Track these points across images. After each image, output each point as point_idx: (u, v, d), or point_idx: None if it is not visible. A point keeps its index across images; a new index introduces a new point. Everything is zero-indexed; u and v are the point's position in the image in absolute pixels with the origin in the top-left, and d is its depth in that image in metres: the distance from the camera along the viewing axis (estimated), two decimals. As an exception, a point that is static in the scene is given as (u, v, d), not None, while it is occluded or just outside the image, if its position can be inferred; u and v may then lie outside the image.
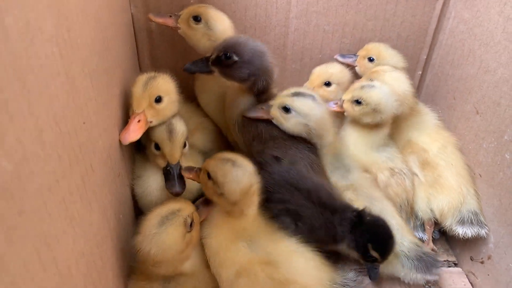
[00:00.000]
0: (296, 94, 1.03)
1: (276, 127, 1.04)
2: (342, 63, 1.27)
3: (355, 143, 1.15)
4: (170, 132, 0.94)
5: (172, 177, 0.93)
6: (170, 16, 1.08)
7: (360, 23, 1.22)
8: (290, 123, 1.03)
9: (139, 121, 0.91)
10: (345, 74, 1.25)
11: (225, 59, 0.96)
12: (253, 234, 0.89)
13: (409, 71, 1.21)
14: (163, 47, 1.22)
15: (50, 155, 0.49)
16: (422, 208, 1.13)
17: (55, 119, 0.52)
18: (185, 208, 0.83)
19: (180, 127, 0.96)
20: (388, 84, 1.13)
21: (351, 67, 1.27)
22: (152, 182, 0.99)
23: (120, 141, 0.88)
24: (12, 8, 0.41)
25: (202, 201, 0.90)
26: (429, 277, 1.02)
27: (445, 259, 1.15)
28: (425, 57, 1.31)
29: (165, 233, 0.78)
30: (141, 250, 0.77)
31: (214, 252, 0.88)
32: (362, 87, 1.09)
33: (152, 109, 0.93)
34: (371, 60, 1.23)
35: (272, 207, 0.93)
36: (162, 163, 0.95)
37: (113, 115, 0.85)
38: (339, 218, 0.93)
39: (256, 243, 0.88)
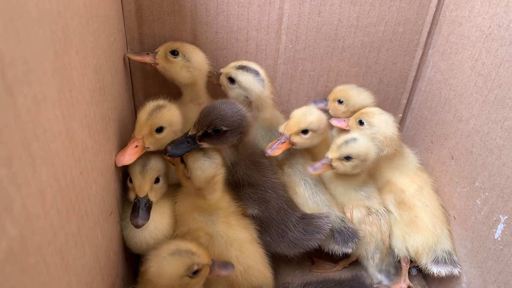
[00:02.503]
0: (241, 68, 1.13)
1: (254, 173, 1.09)
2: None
3: (335, 187, 1.20)
4: (143, 166, 0.97)
5: (137, 209, 0.94)
6: (148, 54, 1.12)
7: (344, 70, 1.27)
8: (233, 93, 1.14)
9: (136, 146, 0.95)
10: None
11: (215, 133, 0.98)
12: (212, 214, 1.02)
13: (391, 113, 1.26)
14: (156, 86, 1.26)
15: (49, 211, 0.53)
16: (398, 246, 1.18)
17: (55, 177, 0.56)
18: (201, 257, 0.86)
19: (154, 163, 0.98)
20: (377, 126, 1.17)
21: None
22: None
23: (115, 171, 0.92)
24: (22, 88, 0.46)
25: (221, 263, 0.92)
26: (344, 250, 1.13)
27: (422, 296, 1.20)
28: (405, 101, 1.36)
29: (169, 263, 0.83)
30: (147, 262, 0.84)
31: (178, 213, 1.04)
32: (347, 143, 1.10)
33: (151, 137, 0.97)
34: (340, 102, 1.27)
35: None
36: (132, 196, 0.97)
37: (107, 158, 0.87)
38: None
39: (210, 219, 1.02)
